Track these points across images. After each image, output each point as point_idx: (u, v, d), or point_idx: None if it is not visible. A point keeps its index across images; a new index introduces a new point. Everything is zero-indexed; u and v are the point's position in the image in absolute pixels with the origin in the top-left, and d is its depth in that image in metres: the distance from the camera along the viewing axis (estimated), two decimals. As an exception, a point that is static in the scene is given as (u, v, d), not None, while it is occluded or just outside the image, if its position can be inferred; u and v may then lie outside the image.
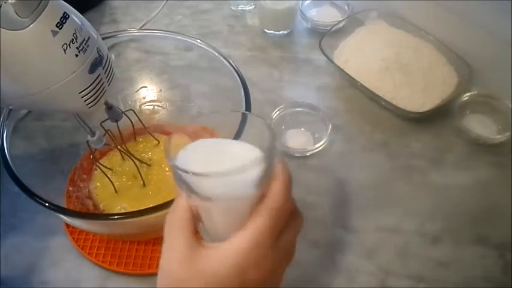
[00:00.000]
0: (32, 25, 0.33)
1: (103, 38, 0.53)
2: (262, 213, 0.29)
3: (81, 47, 0.36)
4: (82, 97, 0.38)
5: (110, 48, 0.56)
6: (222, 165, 0.27)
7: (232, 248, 0.28)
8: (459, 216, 0.53)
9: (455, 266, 0.49)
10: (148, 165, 0.54)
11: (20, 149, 0.46)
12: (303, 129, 0.61)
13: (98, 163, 0.53)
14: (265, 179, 0.29)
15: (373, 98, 0.62)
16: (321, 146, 0.57)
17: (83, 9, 0.84)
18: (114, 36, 0.55)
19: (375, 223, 0.53)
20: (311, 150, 0.58)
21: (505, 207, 0.53)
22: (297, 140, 0.60)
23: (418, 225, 0.52)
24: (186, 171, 0.27)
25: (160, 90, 0.60)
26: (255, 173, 0.28)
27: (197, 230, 0.31)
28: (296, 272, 0.49)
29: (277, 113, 0.61)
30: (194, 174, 0.27)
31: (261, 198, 0.29)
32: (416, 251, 0.50)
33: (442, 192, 0.55)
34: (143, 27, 0.75)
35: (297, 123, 0.61)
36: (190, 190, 0.29)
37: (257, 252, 0.28)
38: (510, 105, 0.59)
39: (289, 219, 0.31)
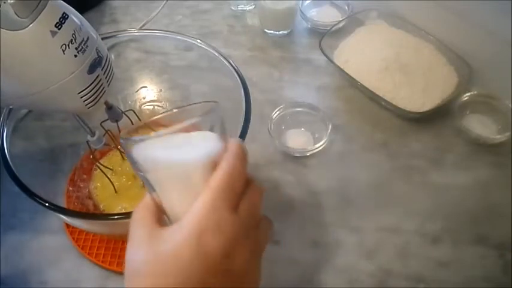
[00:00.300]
0: (31, 25, 0.33)
1: (103, 38, 0.53)
2: (215, 177, 0.28)
3: (80, 47, 0.36)
4: (81, 97, 0.38)
5: (110, 48, 0.56)
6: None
7: (188, 217, 0.28)
8: (459, 216, 0.53)
9: (455, 266, 0.49)
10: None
11: (20, 149, 0.46)
12: (303, 129, 0.61)
13: (98, 163, 0.53)
14: (212, 147, 0.29)
15: (373, 98, 0.62)
16: (321, 146, 0.57)
17: (83, 9, 0.84)
18: (114, 36, 0.55)
19: (375, 223, 0.53)
20: (311, 150, 0.58)
21: (505, 207, 0.53)
22: (297, 140, 0.60)
23: (418, 225, 0.52)
24: (126, 139, 0.28)
25: (160, 90, 0.60)
26: (195, 134, 0.29)
27: (161, 222, 0.31)
28: (296, 272, 0.49)
29: (277, 113, 0.61)
30: (133, 141, 0.28)
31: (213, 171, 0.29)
32: (416, 251, 0.50)
33: (442, 192, 0.55)
34: (143, 27, 0.75)
35: (297, 123, 0.61)
36: (138, 167, 0.29)
37: (214, 216, 0.27)
38: (510, 105, 0.59)
39: (246, 189, 0.30)
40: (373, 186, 0.56)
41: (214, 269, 0.27)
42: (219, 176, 0.29)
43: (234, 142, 0.31)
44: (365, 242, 0.51)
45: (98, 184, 0.53)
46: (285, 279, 0.49)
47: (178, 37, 0.55)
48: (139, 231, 0.29)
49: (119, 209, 0.51)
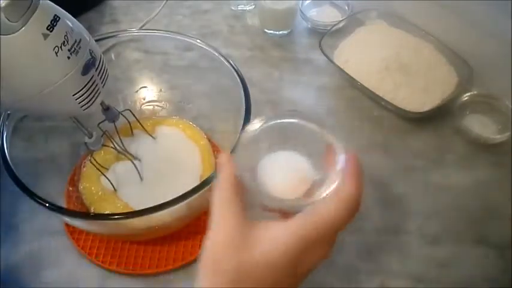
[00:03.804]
0: (22, 29, 0.33)
1: (103, 38, 0.53)
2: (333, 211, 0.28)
3: (73, 49, 0.36)
4: (76, 99, 0.38)
5: (110, 48, 0.56)
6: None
7: (286, 233, 0.28)
8: (459, 216, 0.53)
9: (455, 266, 0.49)
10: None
11: (20, 149, 0.46)
12: (296, 152, 0.35)
13: (97, 163, 0.53)
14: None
15: (373, 98, 0.62)
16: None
17: (83, 9, 0.84)
18: (114, 36, 0.55)
19: (375, 223, 0.53)
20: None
21: (505, 207, 0.53)
22: (282, 182, 0.33)
23: (418, 225, 0.52)
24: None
25: (160, 90, 0.60)
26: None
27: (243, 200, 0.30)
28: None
29: (259, 125, 0.34)
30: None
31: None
32: (416, 251, 0.50)
33: (442, 192, 0.55)
34: (143, 27, 0.75)
35: (286, 141, 0.36)
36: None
37: (307, 240, 0.28)
38: (510, 105, 0.59)
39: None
40: (373, 186, 0.56)
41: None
42: (336, 214, 0.28)
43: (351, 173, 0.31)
44: (365, 242, 0.51)
45: (86, 184, 0.53)
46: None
47: (178, 37, 0.55)
48: (226, 221, 0.28)
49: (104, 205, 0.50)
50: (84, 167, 0.54)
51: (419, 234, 0.52)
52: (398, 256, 0.50)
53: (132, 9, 0.79)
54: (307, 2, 0.76)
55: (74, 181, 0.53)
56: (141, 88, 0.60)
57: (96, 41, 0.52)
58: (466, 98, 0.61)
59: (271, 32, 0.74)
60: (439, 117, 0.61)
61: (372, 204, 0.54)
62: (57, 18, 0.35)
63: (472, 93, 0.61)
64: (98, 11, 0.79)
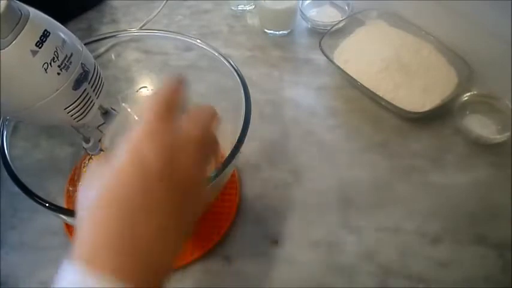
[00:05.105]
0: (10, 45, 0.32)
1: (103, 38, 0.53)
2: (148, 99, 0.31)
3: (63, 64, 0.35)
4: (68, 113, 0.38)
5: (110, 48, 0.56)
6: None
7: (126, 137, 0.29)
8: (459, 216, 0.53)
9: (455, 266, 0.49)
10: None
11: (20, 149, 0.46)
12: None
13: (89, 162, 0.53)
14: None
15: (373, 98, 0.62)
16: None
17: (83, 9, 0.83)
18: (114, 36, 0.55)
19: (375, 223, 0.53)
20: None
21: (505, 207, 0.53)
22: None
23: (418, 225, 0.52)
24: None
25: (160, 90, 0.60)
26: None
27: None
28: (296, 272, 0.49)
29: None
30: None
31: None
32: (416, 251, 0.50)
33: (442, 192, 0.55)
34: (143, 27, 0.75)
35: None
36: None
37: (146, 127, 0.29)
38: (510, 105, 0.59)
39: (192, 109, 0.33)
40: (373, 186, 0.56)
41: (152, 176, 0.28)
42: (151, 97, 0.31)
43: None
44: (365, 242, 0.51)
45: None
46: (284, 279, 0.49)
47: (178, 37, 0.55)
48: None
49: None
50: (84, 167, 0.54)
51: (419, 234, 0.52)
52: (398, 256, 0.50)
53: (132, 9, 0.79)
54: (307, 2, 0.76)
55: (74, 181, 0.54)
56: (141, 88, 0.60)
57: (96, 41, 0.52)
58: (466, 98, 0.61)
59: (271, 32, 0.74)
60: (439, 117, 0.61)
61: (372, 204, 0.54)
62: (47, 34, 0.34)
63: (472, 93, 0.61)
64: (98, 11, 0.79)
